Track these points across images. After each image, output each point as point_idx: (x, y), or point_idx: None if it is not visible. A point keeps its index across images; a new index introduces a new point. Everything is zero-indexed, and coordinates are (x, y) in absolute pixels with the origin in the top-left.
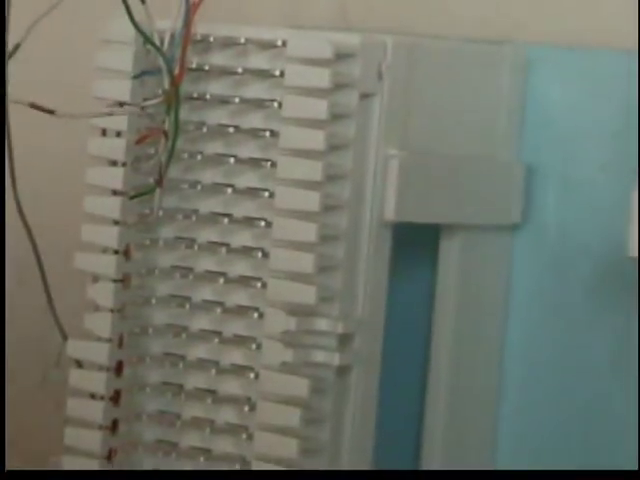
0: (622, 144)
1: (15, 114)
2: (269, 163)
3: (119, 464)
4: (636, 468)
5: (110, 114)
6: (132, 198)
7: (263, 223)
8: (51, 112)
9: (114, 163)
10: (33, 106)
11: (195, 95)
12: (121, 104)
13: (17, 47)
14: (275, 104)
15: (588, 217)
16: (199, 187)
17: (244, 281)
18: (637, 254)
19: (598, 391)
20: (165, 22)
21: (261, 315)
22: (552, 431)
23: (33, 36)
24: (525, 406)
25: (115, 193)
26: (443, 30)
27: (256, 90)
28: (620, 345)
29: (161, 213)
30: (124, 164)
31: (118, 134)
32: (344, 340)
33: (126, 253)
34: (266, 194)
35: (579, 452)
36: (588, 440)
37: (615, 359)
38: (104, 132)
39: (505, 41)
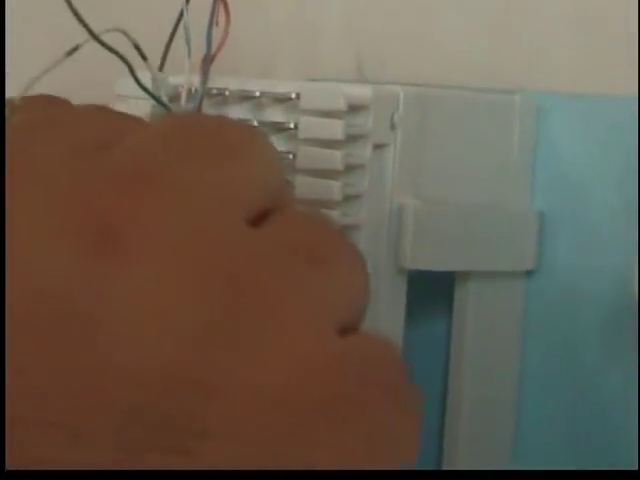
0: (631, 191)
1: None
2: None
3: None
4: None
5: None
6: None
7: None
8: None
9: None
10: None
11: None
12: None
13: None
14: (290, 156)
15: (599, 262)
16: None
17: None
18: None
19: (611, 434)
20: (179, 77)
21: None
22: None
23: (45, 88)
24: (540, 449)
25: None
26: (454, 80)
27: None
28: (632, 386)
29: None
30: None
31: None
32: None
33: None
34: None
35: None
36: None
37: (627, 399)
38: None
39: (515, 90)
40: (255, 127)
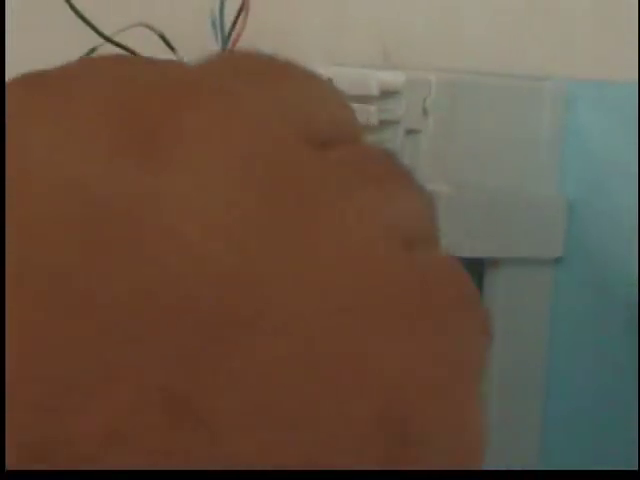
0: None
1: None
2: None
3: None
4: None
5: None
6: None
7: None
8: None
9: None
10: None
11: None
12: None
13: None
14: None
15: (627, 250)
16: None
17: None
18: None
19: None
20: None
21: None
22: (594, 460)
23: None
24: (567, 434)
25: None
26: (482, 66)
27: None
28: None
29: None
30: None
31: None
32: None
33: None
34: None
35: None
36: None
37: None
38: None
39: (545, 77)
40: None
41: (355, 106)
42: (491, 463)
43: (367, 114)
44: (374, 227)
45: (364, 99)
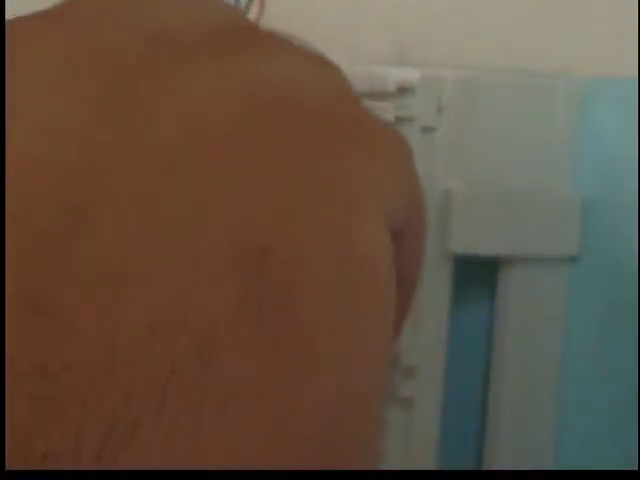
0: None
1: None
2: None
3: None
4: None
5: None
6: None
7: None
8: None
9: None
10: None
11: None
12: None
13: None
14: None
15: None
16: None
17: None
18: None
19: None
20: None
21: None
22: (609, 462)
23: None
24: (584, 433)
25: None
26: (498, 63)
27: None
28: None
29: None
30: None
31: None
32: (407, 372)
33: None
34: None
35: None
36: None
37: None
38: None
39: (560, 74)
40: None
41: (371, 103)
42: (503, 462)
43: (384, 111)
44: (221, 89)
45: (380, 96)
